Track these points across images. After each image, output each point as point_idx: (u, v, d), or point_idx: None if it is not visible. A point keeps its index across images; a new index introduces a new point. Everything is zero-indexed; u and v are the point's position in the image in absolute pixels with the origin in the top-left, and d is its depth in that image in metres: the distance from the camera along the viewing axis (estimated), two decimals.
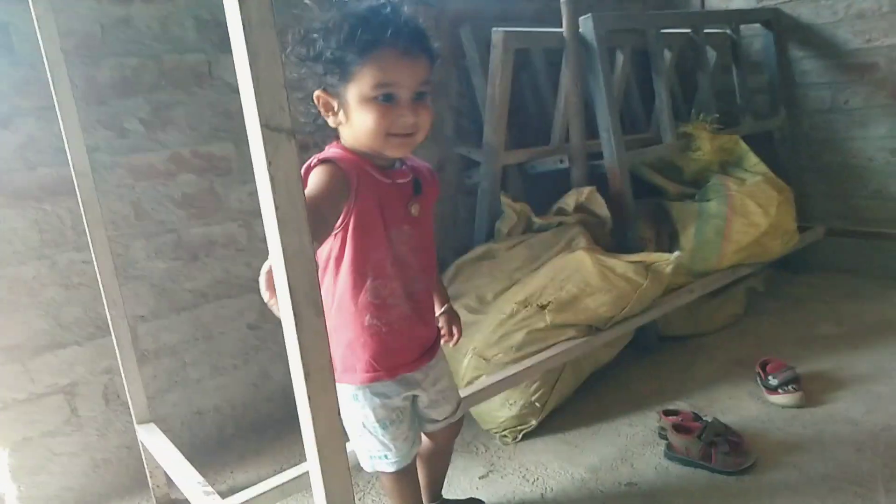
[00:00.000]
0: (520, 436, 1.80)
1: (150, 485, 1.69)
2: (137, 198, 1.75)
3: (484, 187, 2.27)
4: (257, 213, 1.93)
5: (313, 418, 0.66)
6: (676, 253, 1.94)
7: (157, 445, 1.58)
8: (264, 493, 1.33)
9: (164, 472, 1.60)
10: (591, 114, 2.29)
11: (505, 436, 1.80)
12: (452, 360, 1.81)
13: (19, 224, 1.58)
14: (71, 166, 1.50)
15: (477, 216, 2.32)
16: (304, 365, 0.64)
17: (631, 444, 1.73)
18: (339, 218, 1.01)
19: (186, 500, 1.45)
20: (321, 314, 0.64)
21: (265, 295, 0.84)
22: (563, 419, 1.87)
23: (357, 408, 1.17)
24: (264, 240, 1.95)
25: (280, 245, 0.61)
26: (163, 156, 1.78)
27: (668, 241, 2.33)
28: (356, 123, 1.03)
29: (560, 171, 2.35)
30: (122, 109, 1.71)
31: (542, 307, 1.83)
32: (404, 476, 1.26)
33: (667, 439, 1.68)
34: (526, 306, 1.83)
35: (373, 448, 1.20)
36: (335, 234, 1.05)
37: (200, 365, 1.90)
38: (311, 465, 0.70)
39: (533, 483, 1.62)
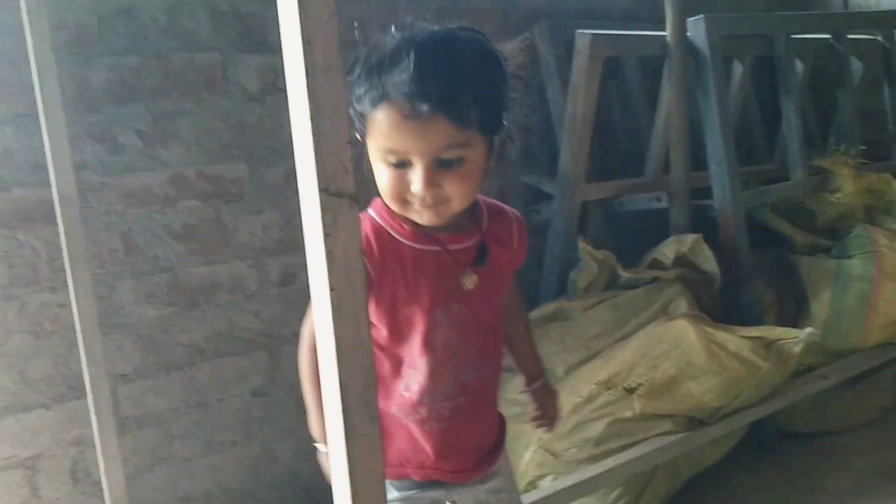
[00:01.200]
0: None
1: None
2: (129, 227, 1.82)
3: (556, 227, 2.30)
4: (272, 252, 2.00)
5: None
6: (808, 329, 1.92)
7: None
8: None
9: None
10: (697, 139, 2.30)
11: None
12: (512, 453, 1.82)
13: None
14: (53, 188, 1.57)
15: (546, 264, 2.34)
16: (351, 482, 0.66)
17: None
18: None
19: None
20: (376, 420, 0.66)
21: None
22: None
23: None
24: (278, 285, 2.02)
25: (333, 334, 0.63)
26: (162, 177, 1.85)
27: (795, 308, 2.31)
28: (377, 181, 1.03)
29: (655, 211, 2.37)
30: (117, 119, 1.78)
31: (630, 391, 1.83)
32: None
33: None
34: (609, 388, 1.84)
35: None
36: None
37: (191, 439, 1.94)
38: None
39: None
